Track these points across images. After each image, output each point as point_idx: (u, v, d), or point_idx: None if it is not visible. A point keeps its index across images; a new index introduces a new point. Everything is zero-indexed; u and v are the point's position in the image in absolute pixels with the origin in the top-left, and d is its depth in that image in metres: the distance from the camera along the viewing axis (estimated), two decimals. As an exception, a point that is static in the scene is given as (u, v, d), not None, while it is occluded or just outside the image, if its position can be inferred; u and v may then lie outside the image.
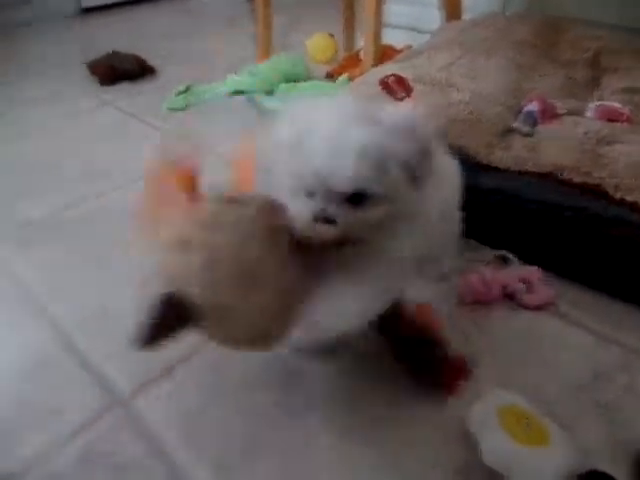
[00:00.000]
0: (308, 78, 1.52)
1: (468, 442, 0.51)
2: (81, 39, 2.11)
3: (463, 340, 0.65)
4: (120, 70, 1.58)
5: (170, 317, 0.44)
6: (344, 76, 1.46)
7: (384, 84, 1.04)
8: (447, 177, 0.63)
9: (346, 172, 0.44)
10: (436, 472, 0.51)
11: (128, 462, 0.53)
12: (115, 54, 1.66)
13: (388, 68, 1.14)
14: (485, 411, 0.50)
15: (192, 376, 0.61)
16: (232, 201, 0.48)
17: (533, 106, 0.88)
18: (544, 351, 0.64)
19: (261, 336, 0.47)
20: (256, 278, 0.45)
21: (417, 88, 0.99)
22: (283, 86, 1.45)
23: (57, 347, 0.67)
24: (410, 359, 0.57)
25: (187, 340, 0.47)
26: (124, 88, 1.54)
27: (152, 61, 1.66)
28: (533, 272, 0.71)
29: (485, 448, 0.48)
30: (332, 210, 0.45)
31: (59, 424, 0.57)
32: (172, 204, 0.49)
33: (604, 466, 0.46)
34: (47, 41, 2.02)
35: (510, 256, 0.76)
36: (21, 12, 2.18)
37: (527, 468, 0.45)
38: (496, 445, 0.47)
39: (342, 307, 0.48)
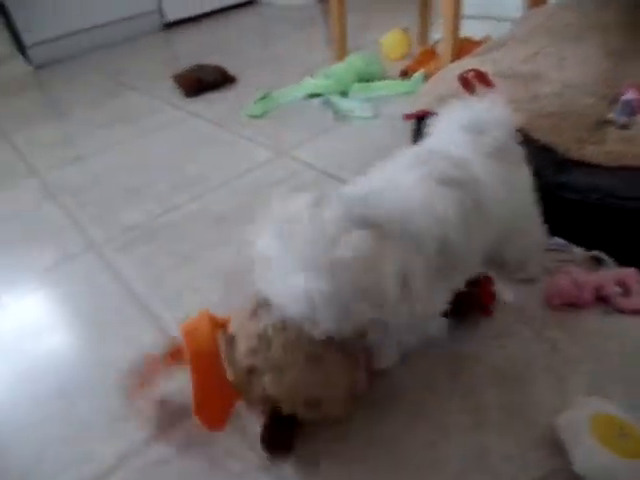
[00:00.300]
0: (383, 77, 1.52)
1: (555, 449, 0.50)
2: (165, 53, 2.27)
3: (549, 348, 0.63)
4: (205, 82, 1.68)
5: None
6: (419, 73, 1.44)
7: (463, 80, 1.02)
8: (518, 184, 0.63)
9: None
10: (523, 476, 0.50)
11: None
12: (199, 66, 1.77)
13: (467, 63, 1.11)
14: (577, 419, 0.48)
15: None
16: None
17: (630, 95, 0.82)
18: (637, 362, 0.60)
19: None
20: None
21: (498, 83, 0.96)
22: (357, 86, 1.46)
23: (158, 341, 0.75)
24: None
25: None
26: (208, 98, 1.64)
27: (232, 70, 1.74)
28: (630, 274, 0.67)
29: (577, 456, 0.46)
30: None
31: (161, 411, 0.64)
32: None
33: None
34: (137, 57, 2.20)
35: (604, 257, 0.72)
36: (114, 31, 2.39)
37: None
38: (589, 454, 0.46)
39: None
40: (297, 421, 0.54)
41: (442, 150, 0.61)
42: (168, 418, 0.63)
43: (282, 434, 0.55)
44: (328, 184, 1.06)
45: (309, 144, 1.25)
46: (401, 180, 0.55)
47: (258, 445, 0.56)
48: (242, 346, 0.53)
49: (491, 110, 0.63)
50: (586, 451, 0.46)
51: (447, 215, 0.51)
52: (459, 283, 0.58)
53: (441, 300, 0.55)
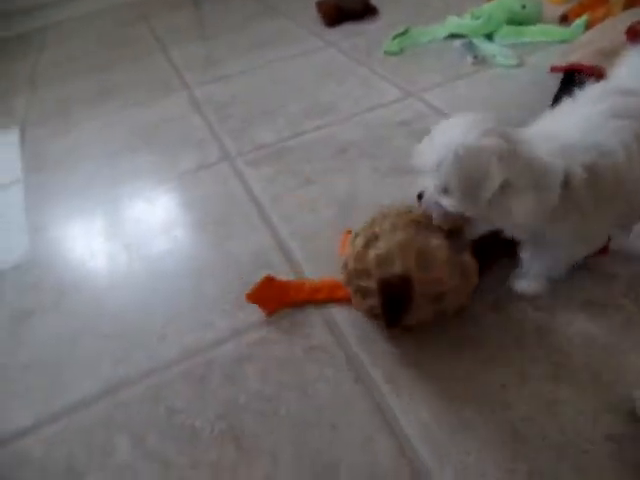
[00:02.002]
0: (539, 20, 1.39)
1: (629, 418, 0.51)
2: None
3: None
4: (345, 11, 1.68)
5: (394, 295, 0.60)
6: (582, 19, 1.30)
7: (633, 33, 0.92)
8: None
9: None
10: (591, 432, 0.52)
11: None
12: (342, -5, 1.77)
13: (641, 13, 0.98)
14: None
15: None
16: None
17: None
18: None
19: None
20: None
21: (675, 39, 0.84)
22: (506, 29, 1.36)
23: (274, 249, 0.85)
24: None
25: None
26: (347, 29, 1.65)
27: (375, 0, 1.71)
28: None
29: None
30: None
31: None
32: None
33: None
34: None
35: None
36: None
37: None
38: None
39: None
40: (408, 300, 0.59)
41: (630, 87, 0.62)
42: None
43: (394, 311, 0.61)
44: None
45: (441, 88, 1.22)
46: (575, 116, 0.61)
47: (347, 343, 0.66)
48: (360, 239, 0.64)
49: None
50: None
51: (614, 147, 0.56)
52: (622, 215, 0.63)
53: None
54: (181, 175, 1.10)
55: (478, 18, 1.40)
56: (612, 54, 0.91)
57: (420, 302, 0.60)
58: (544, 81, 1.08)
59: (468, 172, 0.55)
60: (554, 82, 1.03)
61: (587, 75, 0.93)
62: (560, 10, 1.40)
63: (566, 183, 0.56)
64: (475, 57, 1.31)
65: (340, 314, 0.71)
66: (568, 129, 0.60)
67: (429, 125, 1.07)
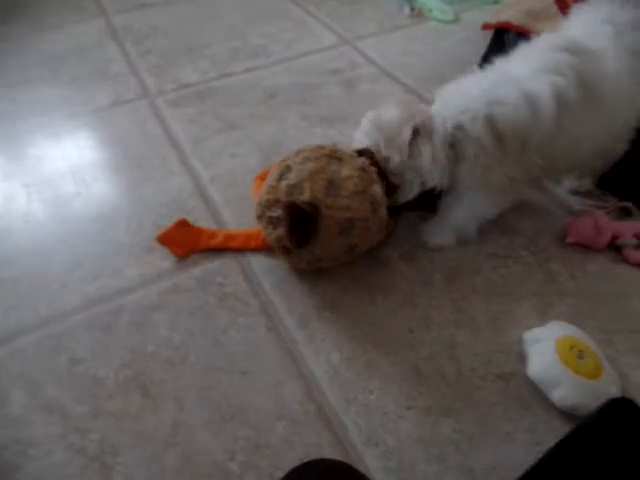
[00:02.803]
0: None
1: (519, 357, 0.55)
2: None
3: (547, 278, 0.66)
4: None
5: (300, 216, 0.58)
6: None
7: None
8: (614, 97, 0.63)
9: None
10: (484, 372, 0.56)
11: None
12: None
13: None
14: (544, 334, 0.53)
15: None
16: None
17: None
18: (629, 306, 0.63)
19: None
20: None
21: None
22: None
23: (193, 194, 0.81)
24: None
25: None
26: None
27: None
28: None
29: (533, 364, 0.52)
30: None
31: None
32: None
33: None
34: None
35: (634, 209, 0.71)
36: None
37: (569, 391, 0.48)
38: (544, 363, 0.50)
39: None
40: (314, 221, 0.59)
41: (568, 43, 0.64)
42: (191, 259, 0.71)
43: (301, 232, 0.60)
44: (384, 84, 1.04)
45: (377, 38, 1.19)
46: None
47: (262, 291, 0.65)
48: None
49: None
50: (542, 361, 0.51)
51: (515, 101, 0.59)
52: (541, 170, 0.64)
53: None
54: (93, 111, 1.00)
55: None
56: (540, 15, 0.93)
57: (328, 229, 0.59)
58: (478, 38, 1.08)
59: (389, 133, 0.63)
60: (487, 40, 1.04)
61: (516, 33, 0.94)
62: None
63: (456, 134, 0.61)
64: (412, 9, 1.28)
65: (257, 261, 0.70)
66: (482, 84, 0.62)
67: (361, 74, 1.07)
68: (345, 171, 0.60)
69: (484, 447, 0.51)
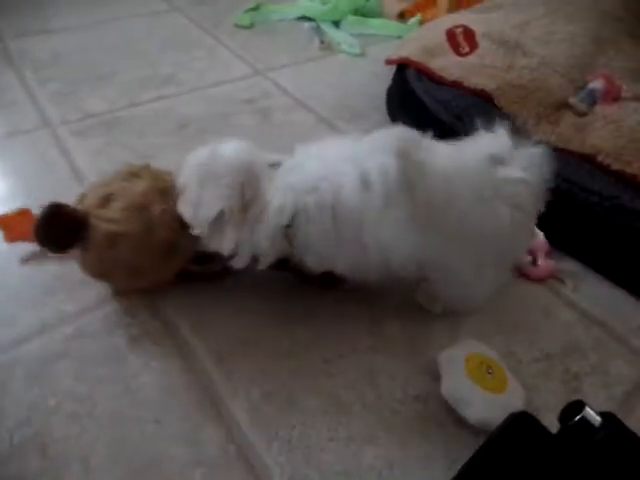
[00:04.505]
0: (380, 15, 1.47)
1: (434, 378, 0.57)
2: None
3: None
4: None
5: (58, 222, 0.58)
6: (416, 18, 1.41)
7: (450, 35, 1.01)
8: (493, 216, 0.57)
9: None
10: (401, 393, 0.58)
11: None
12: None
13: (461, 17, 1.09)
14: (454, 355, 0.55)
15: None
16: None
17: (598, 84, 0.84)
18: (529, 319, 0.68)
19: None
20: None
21: (483, 45, 0.96)
22: (351, 19, 1.42)
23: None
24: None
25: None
26: (197, -5, 1.55)
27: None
28: (540, 245, 0.72)
29: (445, 383, 0.54)
30: None
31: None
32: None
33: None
34: None
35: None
36: None
37: (478, 408, 0.51)
38: (456, 383, 0.53)
39: None
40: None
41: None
42: (95, 297, 0.66)
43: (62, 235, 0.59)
44: (298, 113, 1.06)
45: (289, 69, 1.22)
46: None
47: (177, 330, 0.62)
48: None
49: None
50: (454, 380, 0.53)
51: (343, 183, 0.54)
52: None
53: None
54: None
55: (326, 4, 1.43)
56: (433, 51, 1.00)
57: (94, 240, 0.58)
58: (384, 71, 1.14)
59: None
60: (392, 73, 1.11)
61: (415, 69, 1.01)
62: (399, 8, 1.50)
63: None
64: (322, 42, 1.33)
65: (171, 299, 0.67)
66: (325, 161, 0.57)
67: (274, 104, 1.09)
68: (134, 188, 0.60)
69: (405, 471, 0.51)
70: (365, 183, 0.53)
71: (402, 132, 0.57)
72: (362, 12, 1.44)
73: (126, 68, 1.16)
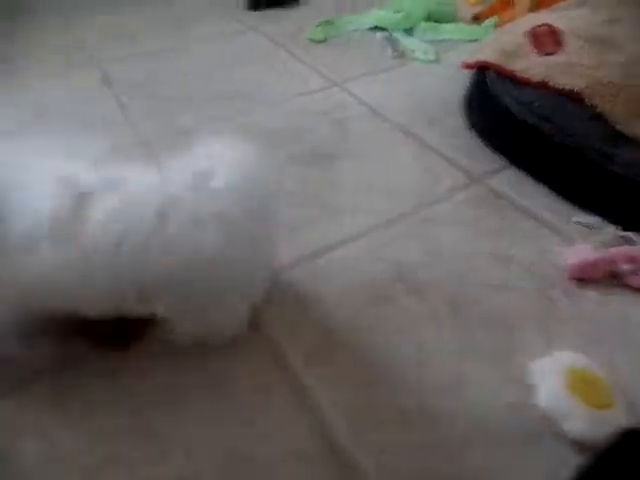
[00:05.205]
0: (454, 19, 1.46)
1: (527, 388, 0.56)
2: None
3: (548, 305, 0.66)
4: (270, -5, 1.65)
5: None
6: (491, 20, 1.38)
7: (533, 35, 0.98)
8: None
9: None
10: (494, 402, 0.56)
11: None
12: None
13: (542, 16, 1.06)
14: (550, 365, 0.53)
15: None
16: None
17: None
18: (629, 329, 0.63)
19: None
20: None
21: (569, 43, 0.92)
22: (424, 25, 1.41)
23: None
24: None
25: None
26: (269, 14, 1.62)
27: (299, -12, 1.70)
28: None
29: (542, 394, 0.52)
30: None
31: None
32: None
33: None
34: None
35: (636, 238, 0.72)
36: None
37: (580, 422, 0.49)
38: (554, 394, 0.51)
39: None
40: None
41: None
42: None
43: None
44: (374, 122, 1.07)
45: (364, 79, 1.24)
46: None
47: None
48: None
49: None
50: (552, 391, 0.51)
51: None
52: None
53: None
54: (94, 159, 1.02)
55: (399, 12, 1.44)
56: (514, 52, 0.98)
57: None
58: (460, 76, 1.13)
59: None
60: (467, 78, 1.09)
61: (494, 72, 0.99)
62: (473, 11, 1.47)
63: None
64: (395, 51, 1.34)
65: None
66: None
67: (350, 114, 1.11)
68: None
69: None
70: None
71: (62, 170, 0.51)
72: (435, 18, 1.43)
73: (208, 86, 1.24)
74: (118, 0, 1.86)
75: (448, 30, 1.40)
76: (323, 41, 1.42)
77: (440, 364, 0.61)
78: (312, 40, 1.42)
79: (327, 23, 1.47)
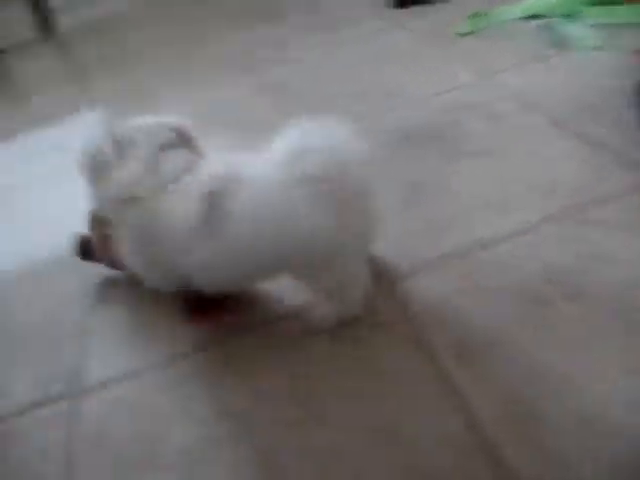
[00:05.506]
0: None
1: None
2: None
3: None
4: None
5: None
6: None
7: None
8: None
9: None
10: None
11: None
12: (415, -25, 1.72)
13: None
14: None
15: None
16: None
17: None
18: None
19: None
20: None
21: None
22: (593, 10, 1.28)
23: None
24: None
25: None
26: (419, 10, 1.61)
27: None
28: None
29: None
30: None
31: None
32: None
33: None
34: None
35: None
36: None
37: None
38: None
39: None
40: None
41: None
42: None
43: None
44: (528, 116, 1.02)
45: (518, 71, 1.18)
46: None
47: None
48: None
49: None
50: None
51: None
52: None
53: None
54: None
55: (558, -3, 1.33)
56: None
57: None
58: (627, 65, 1.01)
59: None
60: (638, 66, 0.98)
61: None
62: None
63: None
64: (554, 39, 1.25)
65: (412, 289, 0.73)
66: None
67: (504, 108, 1.06)
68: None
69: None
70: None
71: (216, 173, 0.62)
72: (606, 1, 1.29)
73: (354, 84, 1.29)
74: (270, 12, 2.02)
75: (622, 13, 1.25)
76: (472, 34, 1.38)
77: (596, 366, 0.57)
78: (460, 34, 1.39)
79: (476, 15, 1.43)
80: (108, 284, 0.88)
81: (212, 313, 0.75)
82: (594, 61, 1.15)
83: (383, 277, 0.74)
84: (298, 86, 1.36)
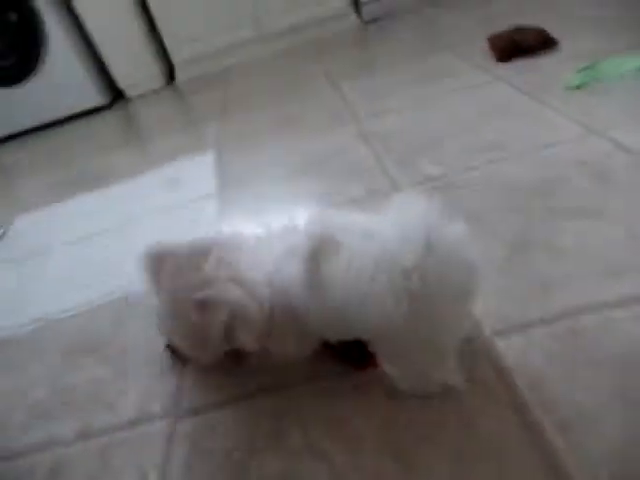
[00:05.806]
0: None
1: None
2: (480, 11, 2.26)
3: None
4: (521, 46, 1.64)
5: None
6: None
7: None
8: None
9: None
10: None
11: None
12: (518, 28, 1.72)
13: None
14: None
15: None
16: None
17: None
18: None
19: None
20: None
21: None
22: None
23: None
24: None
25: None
26: (520, 63, 1.61)
27: (556, 32, 1.64)
28: None
29: None
30: None
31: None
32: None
33: None
34: (454, 13, 2.27)
35: None
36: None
37: None
38: None
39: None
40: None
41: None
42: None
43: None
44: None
45: (631, 125, 1.12)
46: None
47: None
48: None
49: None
50: None
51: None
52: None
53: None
54: (349, 202, 1.19)
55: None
56: None
57: None
58: None
59: None
60: None
61: None
62: None
63: None
64: (675, 92, 1.17)
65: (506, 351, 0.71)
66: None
67: (614, 165, 1.01)
68: None
69: None
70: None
71: (315, 232, 0.61)
72: None
73: (453, 136, 1.31)
74: (374, 65, 2.13)
75: None
76: (582, 88, 1.34)
77: None
78: (568, 88, 1.35)
79: (587, 68, 1.39)
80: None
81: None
82: None
83: (480, 336, 0.73)
84: (399, 137, 1.41)
